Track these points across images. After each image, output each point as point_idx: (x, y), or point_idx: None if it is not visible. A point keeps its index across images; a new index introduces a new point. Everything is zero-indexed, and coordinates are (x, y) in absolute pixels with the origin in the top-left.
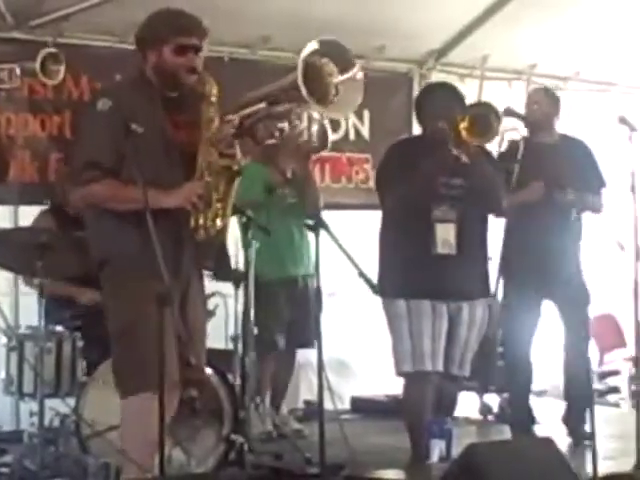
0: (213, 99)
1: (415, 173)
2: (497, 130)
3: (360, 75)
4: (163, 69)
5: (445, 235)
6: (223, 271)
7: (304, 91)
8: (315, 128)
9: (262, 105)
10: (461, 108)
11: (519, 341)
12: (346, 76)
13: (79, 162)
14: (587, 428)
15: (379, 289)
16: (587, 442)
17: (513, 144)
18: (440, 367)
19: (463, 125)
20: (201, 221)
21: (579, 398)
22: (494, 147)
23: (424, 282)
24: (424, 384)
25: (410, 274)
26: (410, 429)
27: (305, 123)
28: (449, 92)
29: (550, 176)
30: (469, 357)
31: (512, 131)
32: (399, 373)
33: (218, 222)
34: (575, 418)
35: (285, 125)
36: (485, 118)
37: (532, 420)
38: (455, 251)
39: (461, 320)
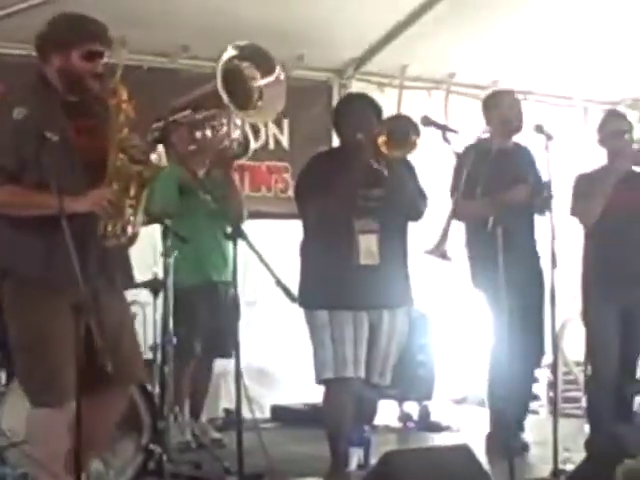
0: (123, 105)
1: (335, 186)
2: (415, 143)
3: (282, 76)
4: (69, 73)
5: (368, 246)
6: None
7: (225, 97)
8: (237, 134)
9: (186, 112)
10: (378, 119)
11: None
12: (269, 79)
13: None
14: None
15: (301, 300)
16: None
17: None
18: (362, 373)
19: (382, 139)
20: (110, 227)
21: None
22: None
23: (346, 293)
24: (345, 391)
25: (332, 286)
26: (329, 437)
27: (226, 129)
28: (366, 103)
29: (516, 181)
30: (390, 366)
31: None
32: (320, 381)
33: (129, 229)
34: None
35: (208, 132)
36: (403, 131)
37: None
38: (378, 261)
39: (382, 329)
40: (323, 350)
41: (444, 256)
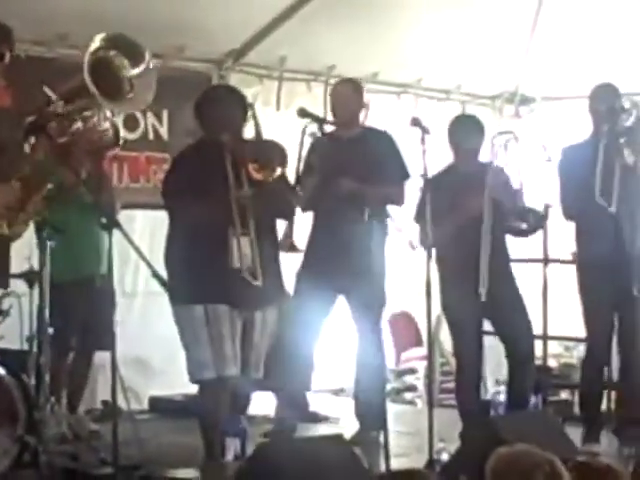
0: None
1: (205, 188)
2: (284, 162)
3: (152, 65)
4: None
5: (241, 248)
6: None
7: (92, 88)
8: (106, 125)
9: (59, 103)
10: (244, 113)
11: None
12: (139, 69)
13: None
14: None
15: (173, 296)
16: (375, 437)
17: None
18: (238, 370)
19: (252, 166)
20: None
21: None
22: None
23: (222, 290)
24: (222, 387)
25: (208, 282)
26: (204, 428)
27: (96, 120)
28: (231, 99)
29: (345, 170)
30: (262, 360)
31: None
32: (197, 380)
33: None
34: (367, 415)
35: (79, 123)
36: (267, 157)
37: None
38: (250, 263)
39: (254, 326)
40: (198, 349)
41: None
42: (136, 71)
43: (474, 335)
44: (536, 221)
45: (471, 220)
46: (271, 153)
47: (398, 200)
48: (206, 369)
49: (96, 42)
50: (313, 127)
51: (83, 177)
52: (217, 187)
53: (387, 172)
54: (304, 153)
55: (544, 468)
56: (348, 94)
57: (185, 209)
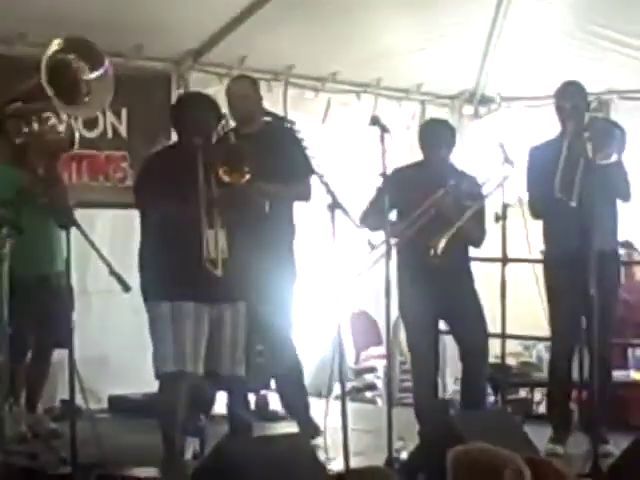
0: None
1: (179, 188)
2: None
3: (111, 71)
4: None
5: (214, 243)
6: None
7: (49, 91)
8: (62, 126)
9: (17, 104)
10: (218, 119)
11: None
12: (97, 73)
13: None
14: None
15: (144, 293)
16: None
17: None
18: (200, 369)
19: (222, 169)
20: None
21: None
22: None
23: (190, 286)
24: (180, 384)
25: (176, 279)
26: (163, 427)
27: (53, 121)
28: (205, 105)
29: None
30: (240, 355)
31: None
32: (159, 375)
33: None
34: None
35: (35, 124)
36: (237, 160)
37: None
38: (227, 255)
39: (224, 321)
40: (164, 345)
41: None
42: (94, 75)
43: (428, 334)
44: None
45: (429, 218)
46: (241, 158)
47: (307, 196)
48: (168, 363)
49: (55, 44)
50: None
51: (38, 179)
52: (188, 187)
53: (293, 168)
54: None
55: (510, 466)
56: (245, 91)
57: (156, 207)
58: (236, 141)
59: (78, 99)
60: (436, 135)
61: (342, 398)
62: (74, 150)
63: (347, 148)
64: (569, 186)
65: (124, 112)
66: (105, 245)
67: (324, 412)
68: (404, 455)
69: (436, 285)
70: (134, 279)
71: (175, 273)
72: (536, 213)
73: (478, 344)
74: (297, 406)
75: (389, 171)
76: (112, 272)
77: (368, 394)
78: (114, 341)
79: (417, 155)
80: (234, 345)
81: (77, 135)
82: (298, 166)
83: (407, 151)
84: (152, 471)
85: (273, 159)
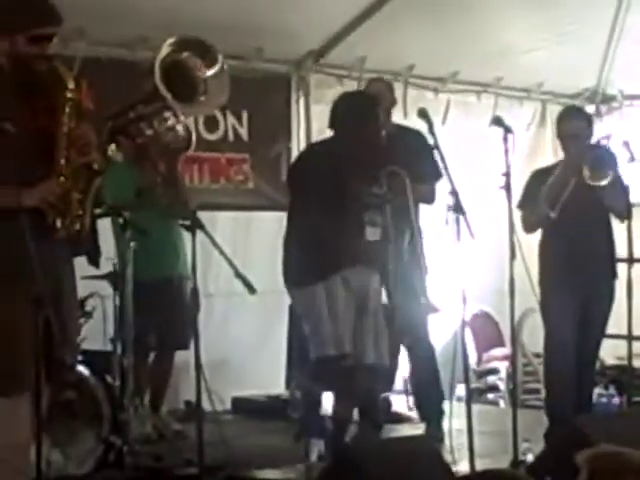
0: (69, 95)
1: (342, 181)
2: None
3: (226, 67)
4: (16, 57)
5: (372, 233)
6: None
7: (164, 90)
8: (181, 127)
9: (138, 106)
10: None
11: None
12: (213, 70)
13: None
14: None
15: (294, 280)
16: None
17: None
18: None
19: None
20: (59, 221)
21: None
22: None
23: (346, 257)
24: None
25: (327, 255)
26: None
27: (172, 121)
28: (364, 99)
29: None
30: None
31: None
32: (320, 359)
33: (77, 222)
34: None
35: (156, 125)
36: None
37: None
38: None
39: (369, 309)
40: (322, 327)
41: None
42: (210, 72)
43: (571, 332)
44: None
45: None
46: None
47: (432, 199)
48: (328, 347)
49: (168, 44)
50: None
51: (159, 179)
52: (354, 181)
53: (423, 170)
54: None
55: None
56: (382, 92)
57: (322, 199)
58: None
59: (195, 98)
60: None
61: (467, 400)
62: (191, 151)
63: (467, 149)
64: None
65: (245, 114)
66: (226, 247)
67: (448, 414)
68: (530, 457)
69: (580, 275)
70: (256, 280)
71: (327, 250)
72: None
73: (594, 350)
74: (431, 408)
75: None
76: (238, 274)
77: (490, 396)
78: (236, 343)
79: (537, 154)
80: (377, 333)
81: (194, 136)
82: (428, 169)
83: (526, 151)
84: (277, 473)
85: (405, 160)
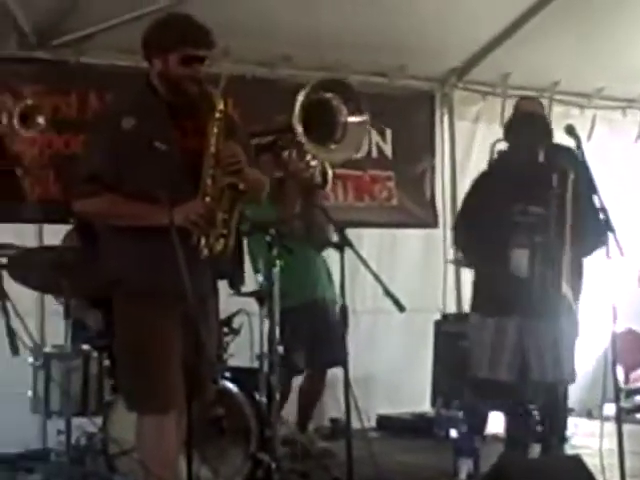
0: (217, 115)
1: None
2: None
3: (367, 118)
4: (168, 77)
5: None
6: (238, 279)
7: (299, 129)
8: (315, 164)
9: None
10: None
11: None
12: (356, 118)
13: (82, 175)
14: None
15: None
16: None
17: None
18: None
19: None
20: (203, 240)
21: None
22: None
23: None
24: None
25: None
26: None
27: (308, 157)
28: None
29: None
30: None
31: None
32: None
33: (221, 241)
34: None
35: (293, 157)
36: None
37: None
38: (526, 275)
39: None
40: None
41: None
42: (354, 119)
43: None
44: None
45: None
46: None
47: None
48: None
49: (312, 83)
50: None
51: (296, 212)
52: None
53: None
54: None
55: None
56: (534, 109)
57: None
58: None
59: (330, 141)
60: None
61: (618, 419)
62: (327, 189)
63: (613, 165)
64: None
65: (388, 132)
66: (372, 265)
67: (599, 433)
68: None
69: None
70: (402, 298)
71: (499, 291)
72: None
73: None
74: (556, 423)
75: None
76: (387, 292)
77: (638, 415)
78: (381, 360)
79: None
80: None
81: (330, 173)
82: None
83: None
84: None
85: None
